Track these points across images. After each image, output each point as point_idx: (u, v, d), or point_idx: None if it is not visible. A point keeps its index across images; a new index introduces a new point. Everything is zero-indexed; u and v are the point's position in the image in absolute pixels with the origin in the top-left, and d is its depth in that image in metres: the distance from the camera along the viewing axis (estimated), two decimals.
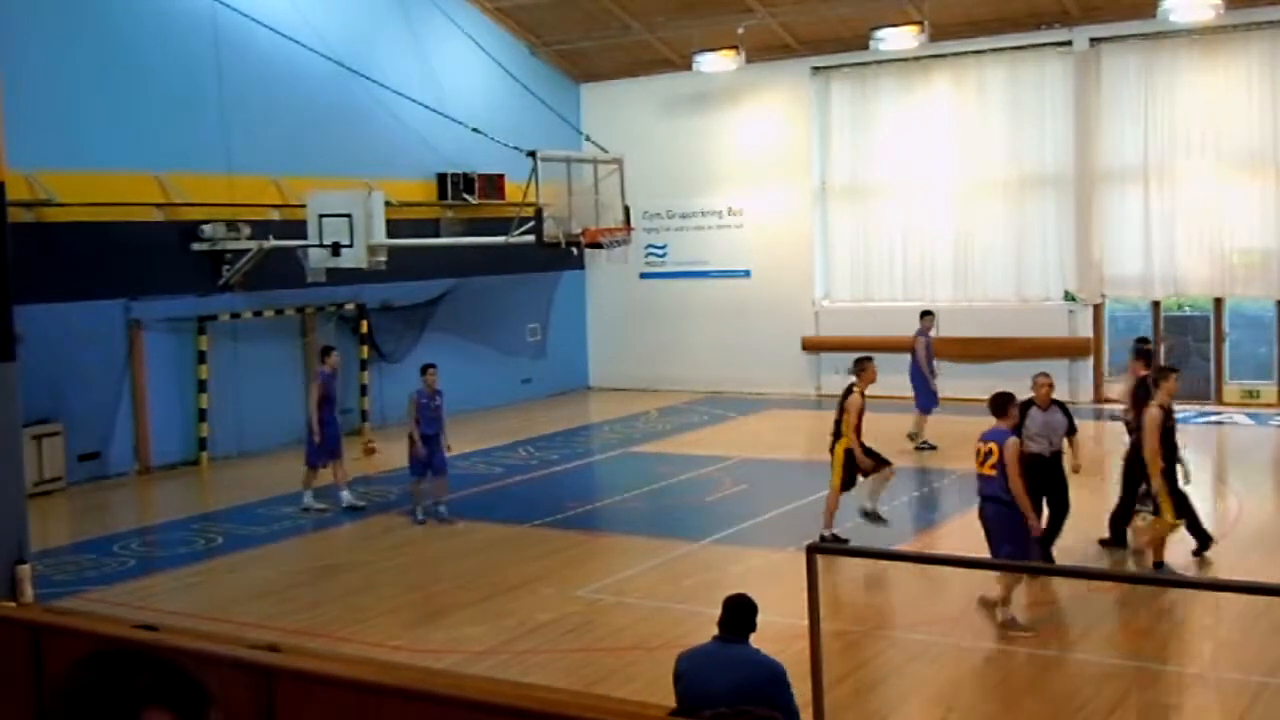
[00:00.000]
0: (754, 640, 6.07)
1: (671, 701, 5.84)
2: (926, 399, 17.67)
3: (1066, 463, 11.63)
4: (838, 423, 12.58)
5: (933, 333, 18.18)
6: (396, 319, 21.36)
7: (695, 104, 24.13)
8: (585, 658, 9.53)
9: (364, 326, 20.66)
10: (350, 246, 17.26)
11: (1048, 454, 11.45)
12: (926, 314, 18.36)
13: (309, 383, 15.96)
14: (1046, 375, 11.91)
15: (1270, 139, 19.83)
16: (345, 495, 14.98)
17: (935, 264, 22.48)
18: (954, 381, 21.64)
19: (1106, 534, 12.13)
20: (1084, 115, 21.06)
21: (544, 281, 24.17)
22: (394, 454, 15.87)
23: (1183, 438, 12.07)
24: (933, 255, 22.51)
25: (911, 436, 17.40)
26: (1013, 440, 10.04)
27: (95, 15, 17.08)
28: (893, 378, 21.62)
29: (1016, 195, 21.89)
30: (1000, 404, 10.33)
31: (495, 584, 11.67)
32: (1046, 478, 11.27)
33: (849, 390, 12.65)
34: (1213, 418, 19.30)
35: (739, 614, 5.98)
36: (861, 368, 12.73)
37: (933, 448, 17.19)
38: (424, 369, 14.47)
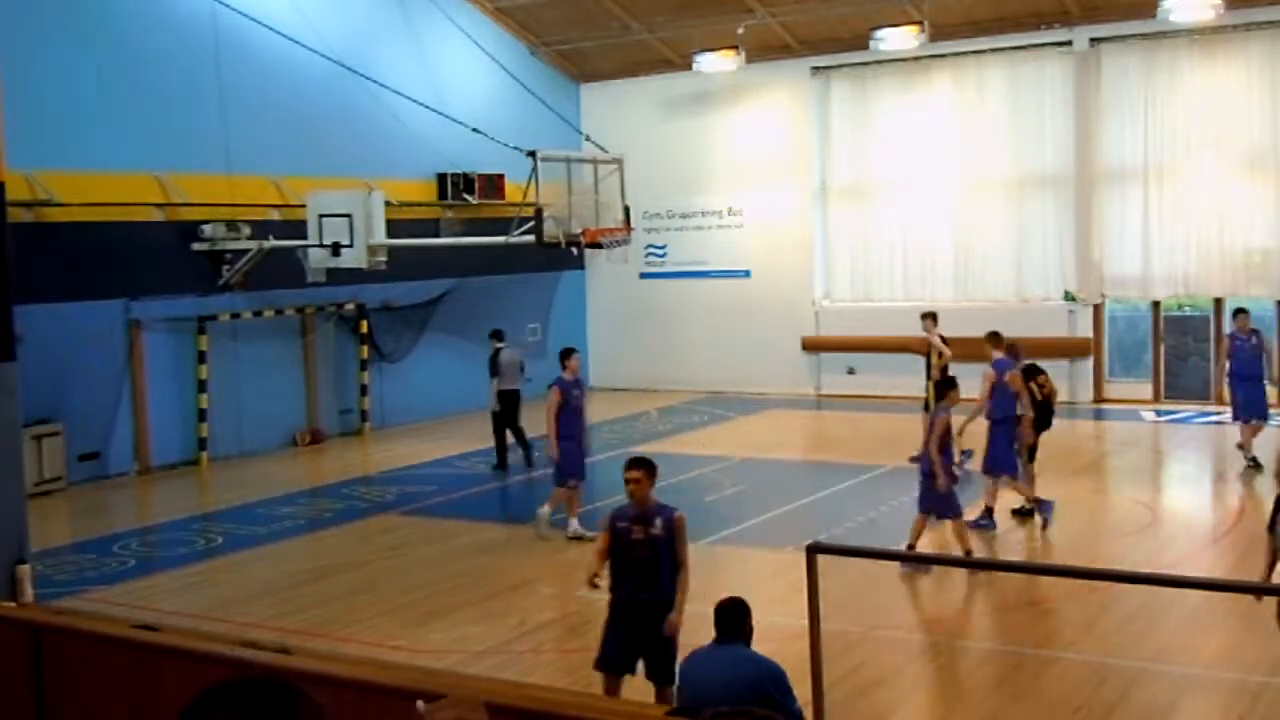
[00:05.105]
0: (755, 640, 6.11)
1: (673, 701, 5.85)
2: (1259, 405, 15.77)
3: None
4: None
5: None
6: (396, 319, 21.36)
7: (695, 104, 24.13)
8: (585, 658, 9.49)
9: (364, 326, 20.66)
10: (350, 246, 17.27)
11: None
12: (1241, 311, 16.45)
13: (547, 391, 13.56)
14: None
15: (1270, 139, 19.83)
16: (574, 524, 13.11)
17: (935, 264, 22.48)
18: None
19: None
20: (1084, 115, 21.06)
21: (544, 281, 24.17)
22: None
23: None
24: (933, 255, 22.51)
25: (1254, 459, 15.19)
26: None
27: (96, 15, 17.09)
28: (890, 378, 21.85)
29: (1016, 195, 21.90)
30: None
31: (495, 584, 11.67)
32: None
33: None
34: (1213, 418, 19.29)
35: (730, 617, 6.05)
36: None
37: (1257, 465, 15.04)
38: (946, 381, 12.11)
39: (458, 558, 12.86)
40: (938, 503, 11.52)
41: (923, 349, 16.78)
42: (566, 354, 13.62)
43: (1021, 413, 12.85)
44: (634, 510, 7.58)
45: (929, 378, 15.94)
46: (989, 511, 12.82)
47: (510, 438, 17.36)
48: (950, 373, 12.84)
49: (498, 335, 17.67)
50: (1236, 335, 15.93)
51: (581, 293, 25.61)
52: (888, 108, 22.87)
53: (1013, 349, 13.54)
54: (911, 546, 11.43)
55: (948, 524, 11.76)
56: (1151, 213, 20.78)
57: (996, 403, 12.81)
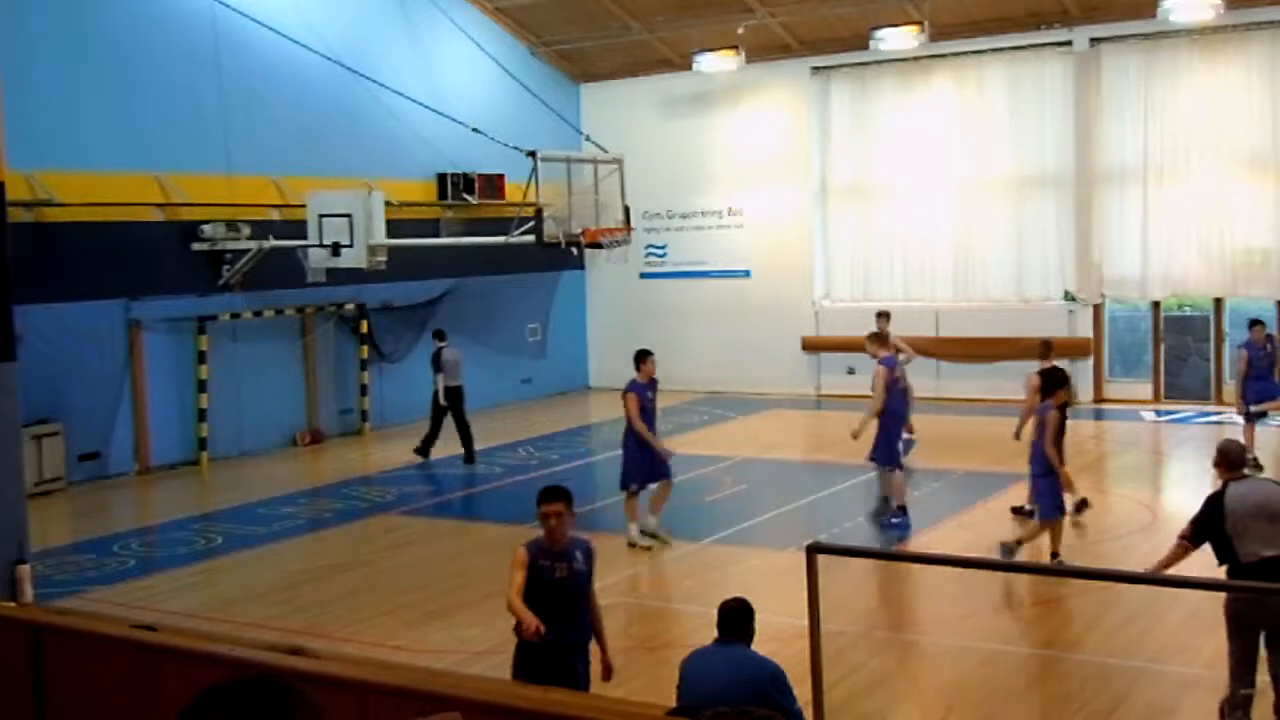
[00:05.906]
0: (756, 640, 6.11)
1: (672, 701, 5.85)
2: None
3: None
4: None
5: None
6: (396, 319, 21.36)
7: (695, 104, 24.13)
8: None
9: (364, 326, 20.66)
10: (350, 246, 17.27)
11: None
12: (1258, 323, 16.07)
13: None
14: None
15: (1270, 139, 19.83)
16: (651, 522, 12.69)
17: (935, 264, 22.48)
18: (954, 382, 21.70)
19: None
20: (1084, 115, 21.06)
21: (544, 281, 24.18)
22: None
23: None
24: (933, 255, 22.51)
25: None
26: None
27: (95, 15, 17.08)
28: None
29: (1016, 195, 21.89)
30: None
31: (495, 584, 11.55)
32: None
33: None
34: (1213, 418, 19.30)
35: (734, 618, 6.05)
36: None
37: None
38: (1053, 375, 12.11)
39: (458, 558, 12.86)
40: (1050, 499, 11.53)
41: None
42: (642, 356, 12.71)
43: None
44: (554, 546, 6.89)
45: None
46: (902, 509, 13.36)
47: (452, 434, 17.84)
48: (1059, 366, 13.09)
49: (439, 335, 18.25)
50: (1252, 345, 15.78)
51: (581, 293, 25.61)
52: (888, 108, 22.86)
53: (1046, 346, 14.01)
54: (1055, 554, 11.42)
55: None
56: (1151, 213, 20.77)
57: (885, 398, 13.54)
